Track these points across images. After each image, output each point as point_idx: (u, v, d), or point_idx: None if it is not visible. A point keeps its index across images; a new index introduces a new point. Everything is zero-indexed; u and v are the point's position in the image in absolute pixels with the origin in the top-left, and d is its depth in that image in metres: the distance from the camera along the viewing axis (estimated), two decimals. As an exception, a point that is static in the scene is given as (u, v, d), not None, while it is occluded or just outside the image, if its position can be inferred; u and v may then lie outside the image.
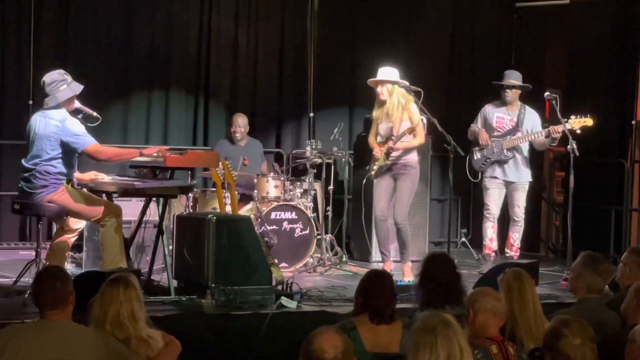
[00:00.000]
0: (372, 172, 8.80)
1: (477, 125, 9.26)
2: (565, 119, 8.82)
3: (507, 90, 9.16)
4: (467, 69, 11.89)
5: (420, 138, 8.65)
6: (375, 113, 8.82)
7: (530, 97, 9.54)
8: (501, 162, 9.12)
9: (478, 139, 9.17)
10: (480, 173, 9.22)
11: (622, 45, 10.98)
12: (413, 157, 8.70)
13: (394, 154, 8.63)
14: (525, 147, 9.18)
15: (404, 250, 8.72)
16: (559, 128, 8.89)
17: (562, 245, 10.92)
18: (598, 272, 5.40)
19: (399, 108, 8.60)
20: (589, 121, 8.88)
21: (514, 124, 9.16)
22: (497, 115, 9.21)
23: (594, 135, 9.42)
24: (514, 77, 9.23)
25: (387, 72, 8.71)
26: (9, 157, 9.56)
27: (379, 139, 8.79)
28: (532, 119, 9.23)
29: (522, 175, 9.20)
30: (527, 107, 9.27)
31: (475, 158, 9.19)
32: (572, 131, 8.79)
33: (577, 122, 8.83)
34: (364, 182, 9.18)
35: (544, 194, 11.65)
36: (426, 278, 5.32)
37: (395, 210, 8.70)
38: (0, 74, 9.89)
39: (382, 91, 8.66)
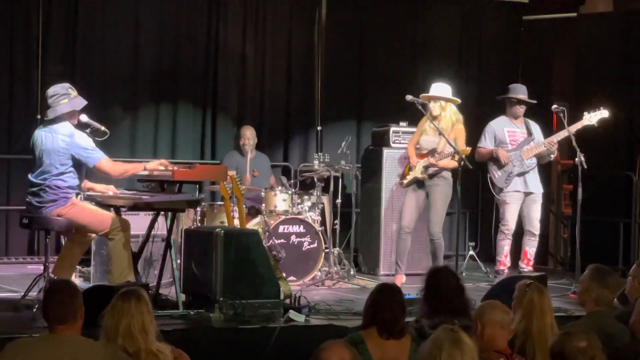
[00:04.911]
0: (405, 182, 8.83)
1: (486, 145, 9.14)
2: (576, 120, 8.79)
3: (522, 106, 9.11)
4: (474, 81, 11.88)
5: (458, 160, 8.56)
6: (422, 124, 8.87)
7: (538, 110, 9.53)
8: (522, 174, 9.03)
9: (498, 158, 8.99)
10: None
11: (629, 57, 10.98)
12: (447, 171, 8.76)
13: (432, 169, 8.67)
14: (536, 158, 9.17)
15: (435, 262, 8.68)
16: (554, 139, 8.89)
17: (571, 258, 10.89)
18: (607, 285, 5.37)
19: (448, 125, 8.64)
20: (604, 112, 8.88)
21: (525, 135, 9.13)
22: (507, 130, 9.13)
23: (601, 148, 9.41)
24: (522, 92, 9.19)
25: (441, 88, 8.78)
26: (18, 172, 9.56)
27: (417, 150, 8.82)
28: (537, 130, 9.22)
29: (539, 186, 9.17)
30: (528, 120, 9.24)
31: (496, 177, 9.06)
32: (589, 126, 8.81)
33: (594, 116, 8.83)
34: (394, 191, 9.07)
35: (552, 206, 11.63)
36: (430, 291, 5.32)
37: (431, 222, 8.74)
38: (8, 89, 9.92)
39: (435, 106, 8.69)
